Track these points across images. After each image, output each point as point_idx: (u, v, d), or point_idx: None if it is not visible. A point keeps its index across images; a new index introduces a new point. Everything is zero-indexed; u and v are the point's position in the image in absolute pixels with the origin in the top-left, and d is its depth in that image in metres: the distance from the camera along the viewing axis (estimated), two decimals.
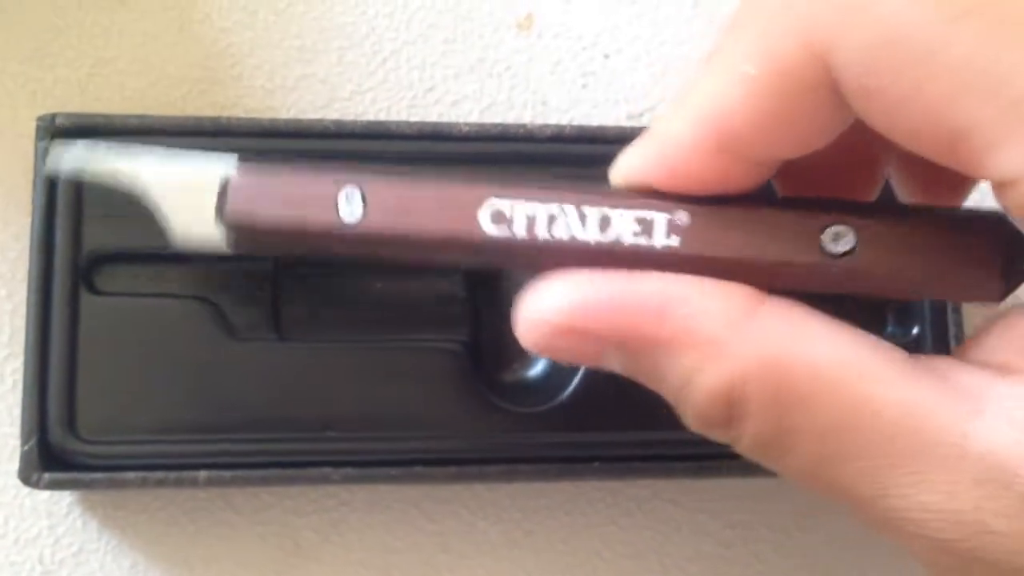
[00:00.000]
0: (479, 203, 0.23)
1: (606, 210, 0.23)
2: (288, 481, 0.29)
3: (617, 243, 0.23)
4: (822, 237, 0.23)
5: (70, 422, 0.28)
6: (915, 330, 0.32)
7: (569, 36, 0.35)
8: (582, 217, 0.23)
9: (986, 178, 0.21)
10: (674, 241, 0.23)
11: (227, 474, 0.28)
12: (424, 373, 0.30)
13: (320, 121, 0.31)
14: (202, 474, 0.28)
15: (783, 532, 0.34)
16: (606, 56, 0.35)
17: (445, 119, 0.33)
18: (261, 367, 0.29)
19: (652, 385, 0.23)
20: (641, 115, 0.34)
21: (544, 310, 0.22)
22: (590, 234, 0.23)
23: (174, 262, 0.29)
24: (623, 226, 0.23)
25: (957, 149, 0.20)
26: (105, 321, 0.29)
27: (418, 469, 0.29)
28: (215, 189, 0.25)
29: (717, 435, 0.22)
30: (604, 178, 0.25)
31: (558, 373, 0.31)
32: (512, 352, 0.31)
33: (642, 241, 0.23)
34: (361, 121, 0.31)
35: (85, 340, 0.28)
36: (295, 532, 0.31)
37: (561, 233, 0.23)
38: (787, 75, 0.21)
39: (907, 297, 0.31)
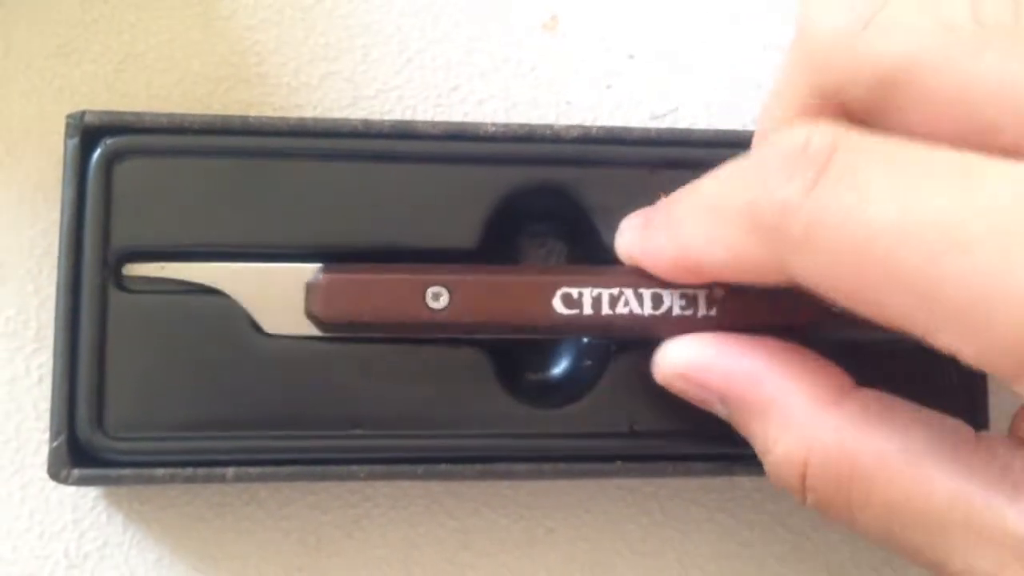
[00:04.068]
0: (553, 291, 0.29)
1: (657, 289, 0.29)
2: (314, 477, 0.29)
3: (668, 315, 0.29)
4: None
5: (98, 418, 0.28)
6: None
7: (593, 36, 0.35)
8: (639, 297, 0.29)
9: None
10: (713, 312, 0.29)
11: (254, 470, 0.28)
12: (449, 373, 0.30)
13: (348, 120, 0.31)
14: (230, 470, 0.28)
15: (801, 533, 0.34)
16: (630, 56, 0.35)
17: (470, 118, 0.33)
18: (288, 364, 0.29)
19: (744, 435, 0.27)
20: (665, 115, 0.34)
21: (669, 361, 0.28)
22: (646, 309, 0.29)
23: (202, 258, 0.29)
24: (672, 301, 0.29)
25: None
26: (133, 317, 0.29)
27: (442, 467, 0.29)
28: (301, 293, 0.29)
29: (791, 492, 0.26)
30: (629, 179, 0.31)
31: (580, 375, 0.31)
32: (534, 353, 0.32)
33: (688, 312, 0.29)
34: (388, 120, 0.31)
35: (113, 336, 0.28)
36: (318, 528, 0.32)
37: (622, 310, 0.29)
38: None
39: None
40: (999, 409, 0.33)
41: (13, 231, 0.31)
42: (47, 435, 0.30)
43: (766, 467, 0.27)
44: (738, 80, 0.35)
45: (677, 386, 0.28)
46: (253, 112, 0.32)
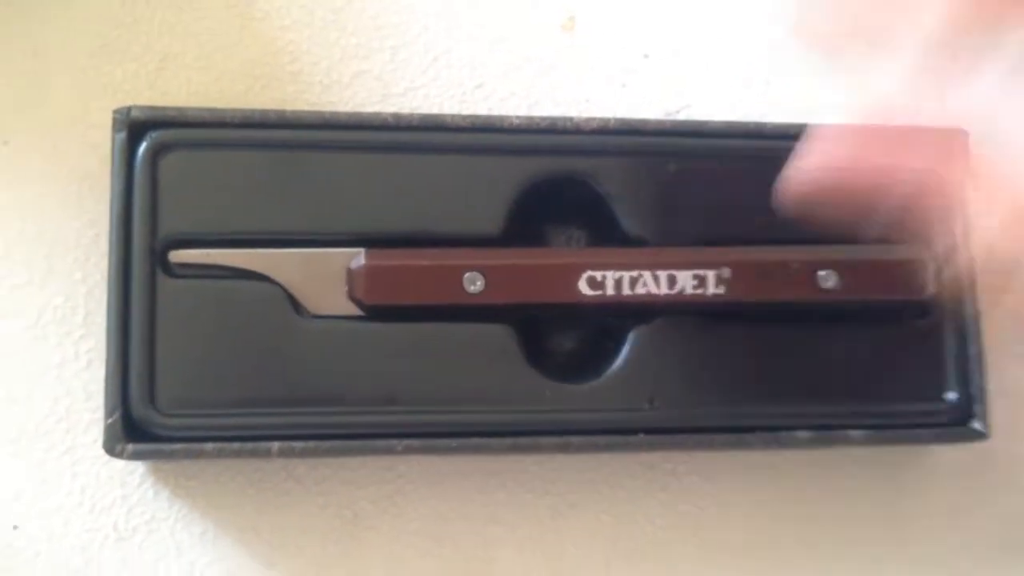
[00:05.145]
0: (579, 274, 0.31)
1: (672, 271, 0.32)
2: (354, 452, 0.31)
3: (681, 293, 0.32)
4: (817, 277, 0.33)
5: (150, 396, 0.30)
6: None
7: (609, 36, 0.36)
8: (655, 278, 0.31)
9: None
10: (721, 289, 0.32)
11: (298, 445, 0.30)
12: (480, 352, 0.31)
13: (379, 114, 0.32)
14: (275, 445, 0.30)
15: (816, 504, 0.35)
16: (645, 56, 0.36)
17: (494, 114, 0.35)
18: (329, 344, 0.31)
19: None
20: (678, 112, 0.36)
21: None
22: (662, 289, 0.31)
23: (245, 245, 0.31)
24: (685, 281, 0.32)
25: None
26: (180, 301, 0.30)
27: (474, 440, 0.31)
28: (342, 275, 0.31)
29: None
30: (645, 168, 0.33)
31: (603, 352, 0.33)
32: (560, 332, 0.33)
33: (699, 291, 0.32)
34: (418, 114, 0.33)
35: (162, 319, 0.30)
36: (354, 503, 0.33)
37: (641, 290, 0.31)
38: None
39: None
40: (996, 383, 0.35)
41: (60, 223, 0.33)
42: (96, 415, 0.32)
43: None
44: (748, 77, 0.37)
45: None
46: (288, 108, 0.34)
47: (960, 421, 0.34)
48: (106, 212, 0.31)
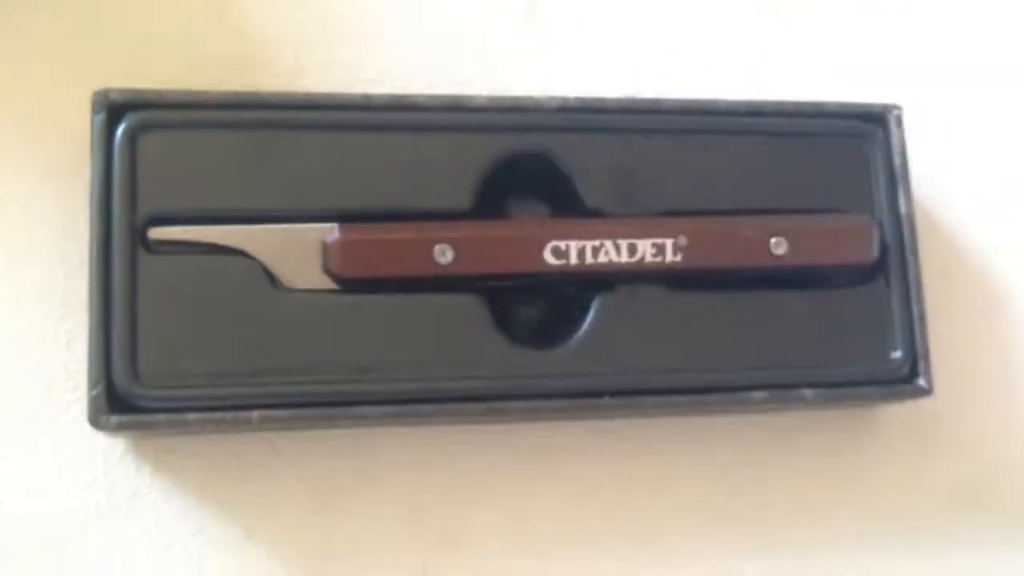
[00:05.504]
0: (544, 245, 0.33)
1: (632, 240, 0.33)
2: (331, 419, 0.32)
3: (641, 261, 0.33)
4: (770, 244, 0.34)
5: (133, 369, 0.30)
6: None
7: (572, 23, 0.38)
8: (616, 247, 0.33)
9: None
10: (679, 257, 0.34)
11: (277, 413, 0.31)
12: (452, 321, 0.33)
13: (350, 95, 0.34)
14: (255, 414, 0.31)
15: (766, 467, 0.37)
16: (608, 40, 0.38)
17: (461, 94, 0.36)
18: (305, 317, 0.32)
19: None
20: (632, 93, 0.38)
21: None
22: (623, 257, 0.33)
23: (222, 222, 0.32)
24: (645, 250, 0.33)
25: None
26: (161, 277, 0.31)
27: (448, 406, 0.32)
28: (317, 249, 0.31)
29: None
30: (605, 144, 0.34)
31: (569, 318, 0.34)
32: (527, 300, 0.35)
33: (658, 259, 0.33)
34: (387, 94, 0.34)
35: (143, 294, 0.31)
36: (332, 473, 0.34)
37: (603, 259, 0.33)
38: None
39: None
40: (943, 350, 0.37)
41: (38, 206, 0.33)
42: (76, 394, 0.32)
43: None
44: (706, 56, 0.39)
45: None
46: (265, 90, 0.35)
47: (906, 379, 0.36)
48: (83, 193, 0.32)
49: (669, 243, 0.34)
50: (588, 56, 0.38)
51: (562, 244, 0.33)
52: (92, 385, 0.30)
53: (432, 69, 0.37)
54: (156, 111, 0.32)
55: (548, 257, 0.33)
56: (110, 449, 0.33)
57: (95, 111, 0.32)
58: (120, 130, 0.32)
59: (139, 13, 0.35)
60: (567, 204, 0.35)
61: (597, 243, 0.33)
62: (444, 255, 0.32)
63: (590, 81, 0.38)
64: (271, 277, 0.32)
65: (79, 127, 0.32)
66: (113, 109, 0.32)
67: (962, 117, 0.41)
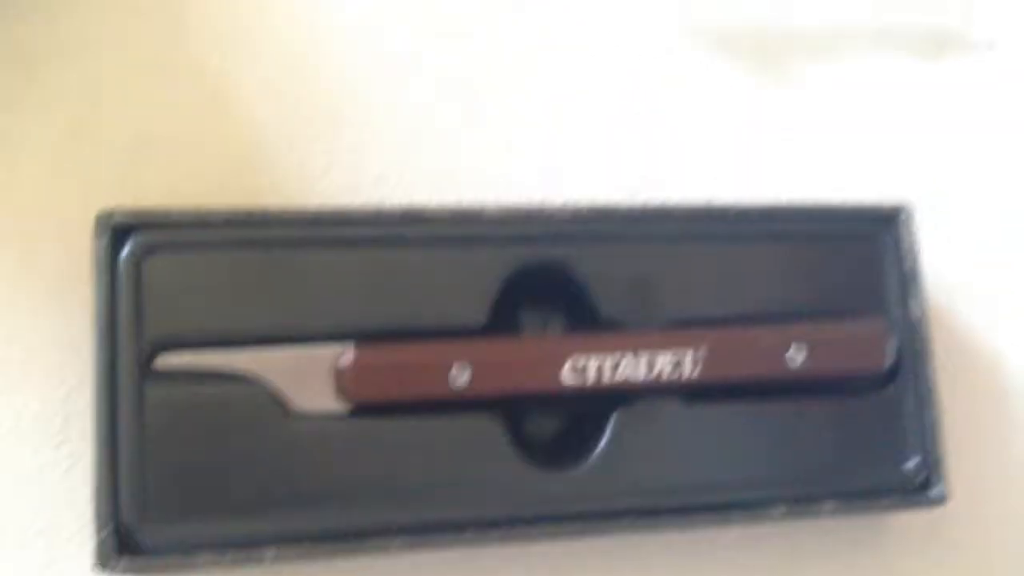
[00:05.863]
0: (562, 363, 0.32)
1: (650, 353, 0.33)
2: (350, 552, 0.31)
3: (659, 377, 0.33)
4: (786, 354, 0.34)
5: (143, 507, 0.29)
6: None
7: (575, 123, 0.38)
8: (635, 362, 0.33)
9: None
10: (698, 370, 0.33)
11: (293, 550, 0.30)
12: (468, 444, 0.32)
13: (361, 209, 0.33)
14: (270, 551, 0.30)
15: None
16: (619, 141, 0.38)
17: (467, 200, 0.36)
18: (317, 443, 0.31)
19: None
20: (639, 192, 0.37)
21: None
22: (641, 372, 0.33)
23: (232, 346, 0.31)
24: (663, 364, 0.33)
25: None
26: (169, 407, 0.30)
27: (468, 535, 0.31)
28: (330, 373, 0.31)
29: None
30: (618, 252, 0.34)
31: (587, 436, 0.33)
32: (545, 418, 0.34)
33: (676, 374, 0.33)
34: (397, 208, 0.33)
35: (151, 426, 0.30)
36: None
37: (621, 375, 0.33)
38: None
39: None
40: (956, 454, 0.36)
41: (35, 326, 0.32)
42: (78, 524, 0.31)
43: None
44: (714, 159, 0.39)
45: None
46: (262, 200, 0.34)
47: (922, 487, 0.35)
48: (81, 312, 0.31)
49: (688, 356, 0.33)
50: (598, 161, 0.37)
51: (580, 362, 0.32)
52: (101, 526, 0.29)
53: (439, 172, 0.36)
54: (161, 231, 0.31)
55: (566, 375, 0.32)
56: None
57: (98, 234, 0.30)
58: (124, 253, 0.30)
59: (133, 114, 0.34)
60: (582, 315, 0.34)
61: (615, 359, 0.33)
62: (461, 376, 0.31)
63: (604, 186, 0.37)
64: (282, 403, 0.31)
65: (75, 239, 0.31)
66: (118, 230, 0.30)
67: (971, 215, 0.41)
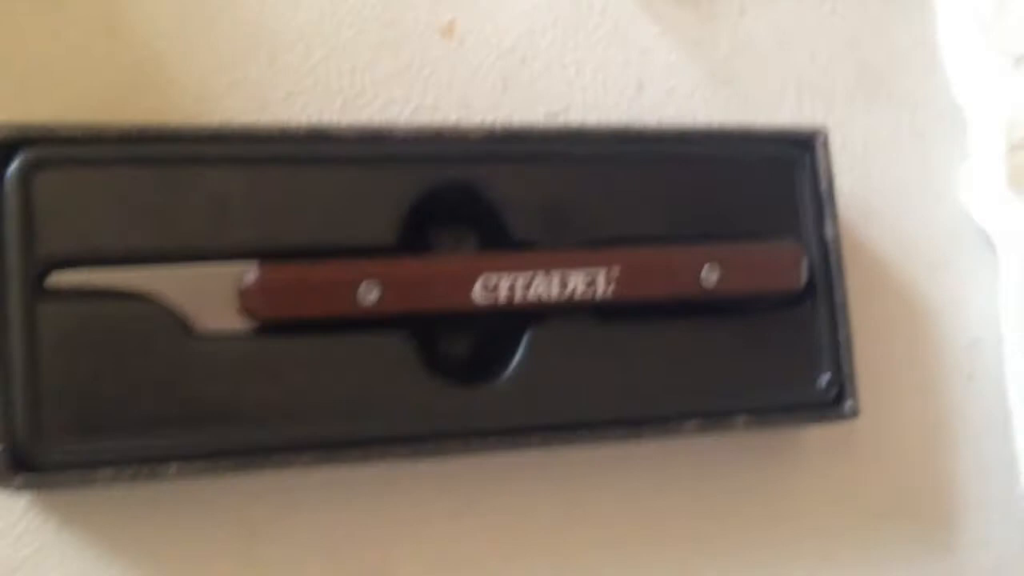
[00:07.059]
0: (473, 281, 0.32)
1: (563, 273, 0.32)
2: (255, 468, 0.30)
3: (572, 295, 0.32)
4: (701, 273, 0.34)
5: (37, 426, 0.28)
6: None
7: (489, 42, 0.37)
8: (548, 281, 0.32)
9: None
10: (611, 288, 0.33)
11: (196, 464, 0.29)
12: (377, 362, 0.31)
13: (264, 126, 0.32)
14: (173, 466, 0.29)
15: (697, 490, 0.37)
16: (523, 60, 0.37)
17: (375, 122, 0.35)
18: (220, 361, 0.30)
19: None
20: (558, 115, 0.37)
21: None
22: (554, 291, 0.32)
23: (128, 264, 0.30)
24: (576, 283, 0.33)
25: None
26: (63, 326, 0.29)
27: (376, 450, 0.31)
28: (234, 291, 0.30)
29: None
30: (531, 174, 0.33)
31: (499, 353, 0.33)
32: (456, 336, 0.34)
33: (590, 292, 0.33)
34: (304, 126, 0.32)
35: (45, 345, 0.29)
36: (250, 517, 0.33)
37: (533, 294, 0.32)
38: None
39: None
40: (868, 371, 0.37)
41: None
42: None
43: None
44: (623, 80, 0.38)
45: None
46: (163, 120, 0.33)
47: (834, 402, 0.36)
48: None
49: (601, 275, 0.33)
50: (509, 81, 0.37)
51: (491, 280, 0.32)
52: None
53: (347, 92, 0.35)
54: (51, 147, 0.30)
55: (477, 293, 0.32)
56: (13, 503, 0.31)
57: None
58: (12, 168, 0.29)
59: (26, 36, 0.33)
60: (493, 236, 0.34)
61: (527, 277, 0.32)
62: (369, 294, 0.31)
63: (510, 108, 0.37)
64: (183, 321, 0.30)
65: None
66: (3, 146, 0.29)
67: (883, 138, 0.41)
